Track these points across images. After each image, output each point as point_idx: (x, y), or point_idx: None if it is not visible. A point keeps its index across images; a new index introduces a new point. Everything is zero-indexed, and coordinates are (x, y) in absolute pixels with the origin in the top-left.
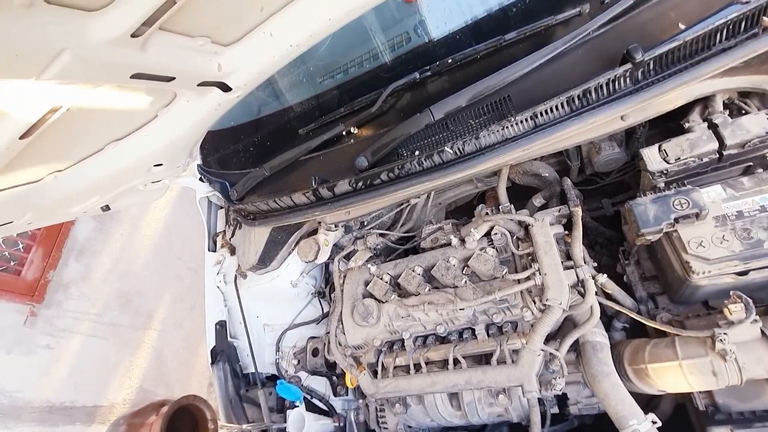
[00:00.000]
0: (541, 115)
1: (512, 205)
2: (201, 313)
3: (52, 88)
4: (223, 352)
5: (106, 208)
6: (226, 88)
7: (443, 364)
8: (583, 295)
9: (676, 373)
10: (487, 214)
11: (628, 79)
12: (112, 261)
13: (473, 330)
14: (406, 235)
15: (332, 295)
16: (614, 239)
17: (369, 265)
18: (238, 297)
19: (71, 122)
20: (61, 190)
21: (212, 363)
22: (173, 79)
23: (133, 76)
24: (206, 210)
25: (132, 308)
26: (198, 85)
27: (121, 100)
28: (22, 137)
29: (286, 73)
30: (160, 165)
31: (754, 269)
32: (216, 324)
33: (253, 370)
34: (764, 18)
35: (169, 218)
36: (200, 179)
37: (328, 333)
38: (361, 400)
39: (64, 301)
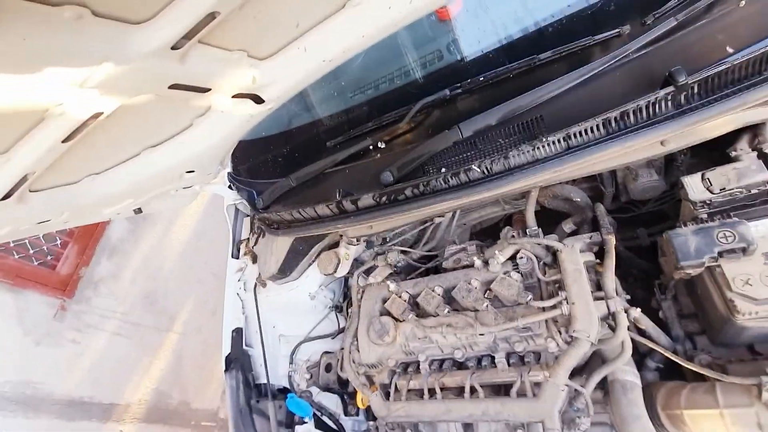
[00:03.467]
0: (575, 136)
1: (540, 229)
2: (221, 319)
3: (95, 95)
4: (237, 360)
5: (139, 210)
6: (259, 100)
7: (459, 391)
8: (613, 329)
9: (715, 423)
10: (513, 236)
11: (669, 103)
12: (141, 261)
13: (492, 358)
14: (428, 254)
15: (349, 311)
16: (650, 272)
17: (388, 282)
18: (256, 305)
19: (111, 128)
20: (97, 191)
21: (226, 370)
22: (209, 90)
23: (171, 87)
24: (233, 217)
25: (156, 309)
26: (232, 96)
27: (158, 109)
28: (64, 141)
29: (318, 86)
30: (192, 172)
31: None
32: (233, 331)
33: (265, 381)
34: None
35: (198, 223)
36: (229, 187)
37: (343, 349)
38: (371, 423)
39: (93, 298)
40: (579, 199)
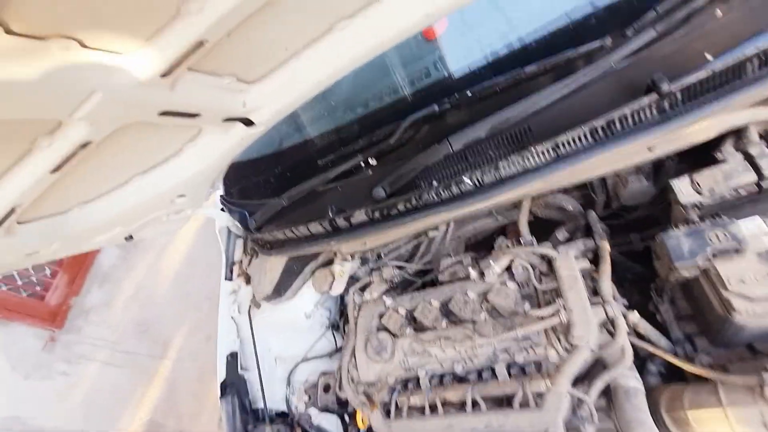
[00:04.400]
0: (563, 145)
1: (534, 238)
2: (216, 344)
3: (83, 125)
4: (233, 385)
5: (130, 238)
6: (249, 123)
7: (461, 405)
8: (612, 335)
9: (720, 422)
10: (507, 246)
11: (654, 110)
12: (133, 289)
13: (493, 370)
14: (424, 268)
15: (346, 328)
16: (645, 276)
17: (384, 298)
18: (251, 327)
19: (100, 156)
20: (87, 220)
21: (221, 396)
22: (199, 115)
23: (161, 114)
24: (225, 239)
25: (149, 337)
26: (223, 120)
27: (148, 135)
28: (53, 171)
29: (308, 106)
30: (184, 196)
31: None
32: (228, 355)
33: (262, 406)
34: None
35: (191, 249)
36: (221, 209)
37: (341, 368)
38: None
39: (84, 327)
40: (571, 208)
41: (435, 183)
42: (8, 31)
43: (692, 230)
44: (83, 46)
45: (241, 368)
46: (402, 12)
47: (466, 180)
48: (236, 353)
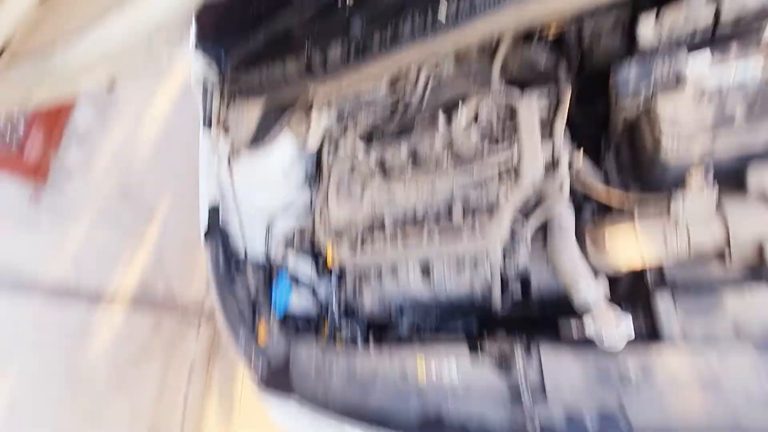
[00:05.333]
0: None
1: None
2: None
3: None
4: (216, 232)
5: (112, 86)
6: None
7: (419, 241)
8: (555, 171)
9: (628, 237)
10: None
11: None
12: (112, 154)
13: (450, 210)
14: (398, 130)
15: (322, 175)
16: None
17: (357, 142)
18: (231, 179)
19: None
20: (73, 59)
21: (205, 237)
22: None
23: None
24: (202, 92)
25: (134, 201)
26: None
27: None
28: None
29: None
30: (161, 32)
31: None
32: (209, 210)
33: (243, 257)
34: None
35: (169, 115)
36: (196, 48)
37: (313, 210)
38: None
39: (67, 188)
40: (544, 62)
41: (411, 13)
42: None
43: (640, 59)
44: None
45: (223, 221)
46: None
47: (442, 7)
48: (217, 208)
